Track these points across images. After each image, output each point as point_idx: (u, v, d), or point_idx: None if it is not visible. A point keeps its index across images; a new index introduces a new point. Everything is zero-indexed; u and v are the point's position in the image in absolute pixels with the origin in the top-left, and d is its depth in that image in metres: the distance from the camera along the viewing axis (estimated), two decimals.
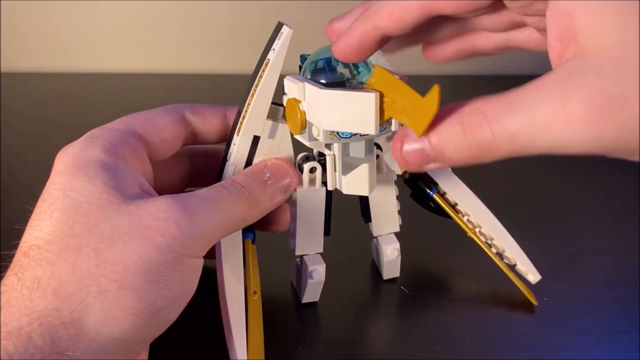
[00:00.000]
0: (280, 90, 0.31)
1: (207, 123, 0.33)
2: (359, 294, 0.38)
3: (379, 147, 0.34)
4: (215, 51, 0.74)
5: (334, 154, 0.31)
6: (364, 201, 0.36)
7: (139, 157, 0.30)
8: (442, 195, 0.37)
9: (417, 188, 0.37)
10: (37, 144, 0.57)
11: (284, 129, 0.32)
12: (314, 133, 0.30)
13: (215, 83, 0.70)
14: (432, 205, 0.37)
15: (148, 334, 0.26)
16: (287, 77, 0.31)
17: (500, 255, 0.37)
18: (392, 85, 0.26)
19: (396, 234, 0.37)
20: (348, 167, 0.31)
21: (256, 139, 0.32)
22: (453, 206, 0.37)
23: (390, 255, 0.37)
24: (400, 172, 0.36)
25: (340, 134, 0.29)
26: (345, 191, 0.31)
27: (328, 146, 0.31)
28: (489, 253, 0.36)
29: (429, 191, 0.37)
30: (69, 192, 0.26)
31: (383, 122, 0.27)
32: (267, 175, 0.31)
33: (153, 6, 0.72)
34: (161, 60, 0.75)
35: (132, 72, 0.74)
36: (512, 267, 0.36)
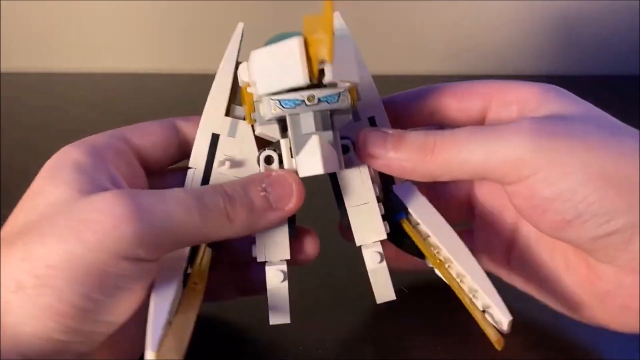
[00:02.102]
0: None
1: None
2: (355, 296, 0.37)
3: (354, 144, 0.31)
4: (215, 51, 0.74)
5: (288, 137, 0.28)
6: (339, 201, 0.31)
7: (125, 159, 0.30)
8: (414, 226, 0.32)
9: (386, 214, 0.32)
10: (37, 144, 0.57)
11: (244, 126, 0.31)
12: (261, 112, 0.28)
13: None
14: (397, 235, 0.32)
15: (82, 336, 0.25)
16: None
17: (472, 294, 0.30)
18: (313, 23, 0.26)
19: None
20: (301, 146, 0.28)
21: (215, 138, 0.31)
22: (424, 238, 0.31)
23: (372, 262, 0.31)
24: None
25: (282, 103, 0.27)
26: (301, 173, 0.28)
27: (285, 133, 0.29)
28: (458, 293, 0.30)
29: (396, 215, 0.31)
30: (36, 194, 0.26)
31: (314, 70, 0.26)
32: (264, 186, 0.28)
33: (153, 6, 0.72)
34: (161, 60, 0.75)
35: (132, 72, 0.74)
36: (485, 309, 0.30)
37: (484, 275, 0.29)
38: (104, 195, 0.25)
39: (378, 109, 0.32)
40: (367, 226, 0.31)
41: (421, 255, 0.31)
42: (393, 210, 0.31)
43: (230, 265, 0.33)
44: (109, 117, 0.62)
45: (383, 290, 0.31)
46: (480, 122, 0.32)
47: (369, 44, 0.73)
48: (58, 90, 0.70)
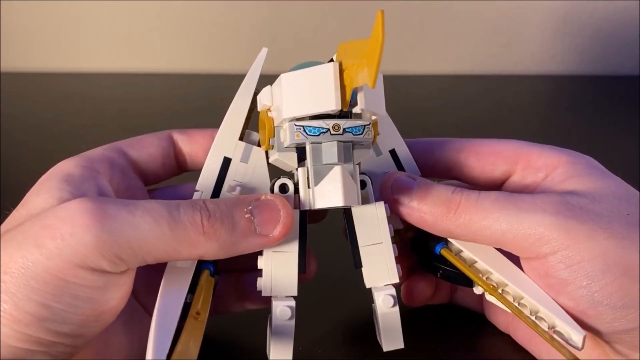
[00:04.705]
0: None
1: (193, 142, 0.32)
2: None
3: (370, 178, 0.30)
4: (215, 51, 0.74)
5: (306, 166, 0.27)
6: (352, 238, 0.29)
7: (120, 171, 0.29)
8: (456, 254, 0.30)
9: (421, 248, 0.31)
10: (37, 144, 0.57)
11: (258, 153, 0.30)
12: (281, 138, 0.27)
13: (215, 83, 0.70)
14: (442, 268, 0.30)
15: (44, 346, 0.24)
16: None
17: (534, 315, 0.28)
18: (350, 49, 0.24)
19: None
20: (321, 176, 0.27)
21: (227, 162, 0.29)
22: (470, 265, 0.29)
23: (385, 306, 0.28)
24: (401, 226, 0.31)
25: (307, 130, 0.26)
26: (318, 204, 0.27)
27: (302, 162, 0.28)
28: (519, 315, 0.27)
29: (436, 245, 0.30)
30: (21, 206, 0.26)
31: (346, 98, 0.25)
32: (250, 208, 0.26)
33: (153, 6, 0.72)
34: (161, 60, 0.75)
35: (132, 72, 0.74)
36: (551, 329, 0.27)
37: (544, 293, 0.28)
38: (69, 203, 0.24)
39: (397, 141, 0.32)
40: (380, 268, 0.29)
41: (467, 283, 0.30)
42: (430, 240, 0.30)
43: (232, 272, 0.33)
44: (109, 116, 0.63)
45: (392, 336, 0.29)
46: (502, 183, 0.32)
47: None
48: (58, 90, 0.70)
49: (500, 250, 0.29)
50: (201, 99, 0.67)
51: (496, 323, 0.34)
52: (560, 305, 0.27)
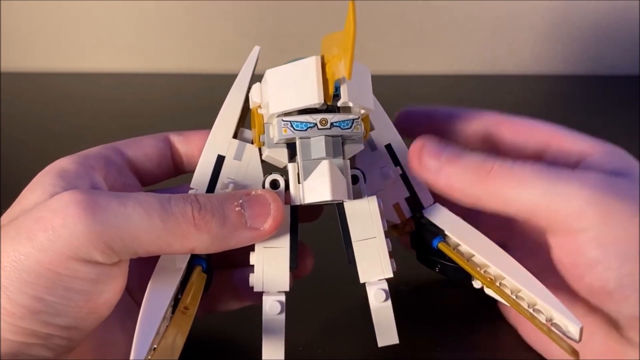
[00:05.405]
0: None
1: (189, 143, 0.32)
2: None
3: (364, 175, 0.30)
4: (215, 51, 0.74)
5: (296, 162, 0.27)
6: (344, 233, 0.29)
7: (117, 169, 0.29)
8: (454, 248, 0.30)
9: (420, 241, 0.31)
10: (37, 144, 0.57)
11: (252, 150, 0.30)
12: (271, 134, 0.27)
13: (215, 83, 0.70)
14: (440, 263, 0.30)
15: (40, 338, 0.24)
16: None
17: (531, 308, 0.28)
18: (330, 42, 0.25)
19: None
20: (310, 171, 0.27)
21: (220, 160, 0.30)
22: (468, 259, 0.29)
23: (377, 300, 0.28)
24: (398, 221, 0.31)
25: (294, 125, 0.26)
26: (307, 199, 0.27)
27: (293, 158, 0.28)
28: (517, 308, 0.27)
29: (433, 239, 0.30)
30: (16, 202, 0.27)
31: (329, 91, 0.25)
32: (240, 202, 0.26)
33: (153, 6, 0.72)
34: (162, 60, 0.75)
35: (132, 72, 0.74)
36: (549, 322, 0.27)
37: (542, 286, 0.27)
38: (60, 195, 0.24)
39: (393, 136, 0.31)
40: (373, 262, 0.28)
41: (466, 277, 0.30)
42: (427, 234, 0.30)
43: (225, 270, 0.33)
44: (109, 117, 0.63)
45: (386, 331, 0.29)
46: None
47: (370, 43, 0.73)
48: (58, 90, 0.70)
49: (505, 249, 0.28)
50: (201, 99, 0.67)
51: (505, 314, 0.34)
52: (585, 285, 0.26)
